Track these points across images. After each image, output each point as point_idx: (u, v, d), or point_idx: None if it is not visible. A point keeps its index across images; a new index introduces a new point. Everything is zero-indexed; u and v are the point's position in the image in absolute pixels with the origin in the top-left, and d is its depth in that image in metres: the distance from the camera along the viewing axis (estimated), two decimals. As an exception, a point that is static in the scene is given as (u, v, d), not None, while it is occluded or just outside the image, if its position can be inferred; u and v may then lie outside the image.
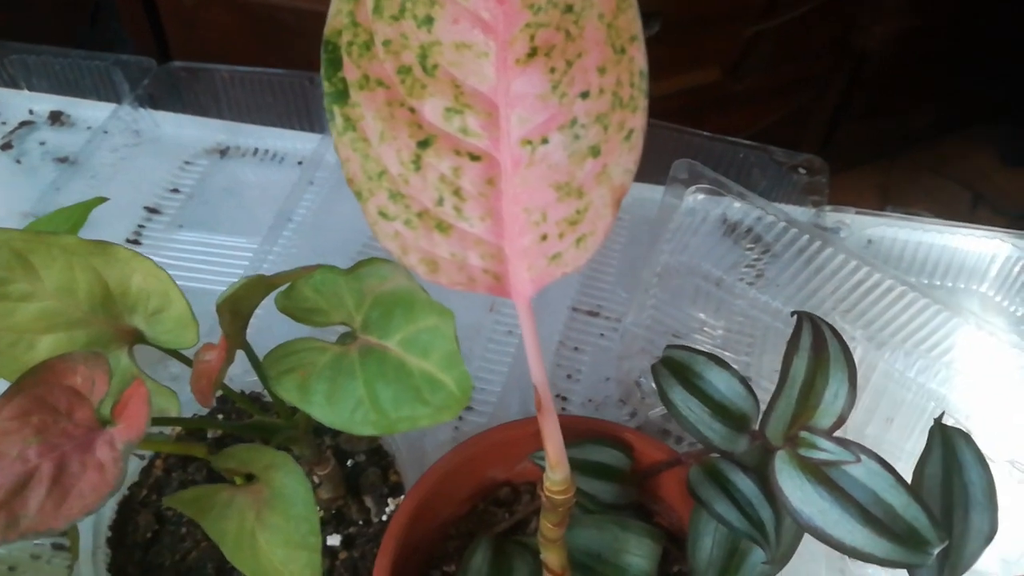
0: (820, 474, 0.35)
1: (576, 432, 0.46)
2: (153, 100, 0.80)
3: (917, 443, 0.40)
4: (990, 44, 1.54)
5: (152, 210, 0.75)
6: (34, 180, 0.77)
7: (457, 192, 0.27)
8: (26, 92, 0.84)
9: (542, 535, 0.37)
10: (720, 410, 0.40)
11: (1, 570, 0.53)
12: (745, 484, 0.39)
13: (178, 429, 0.54)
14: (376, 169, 0.27)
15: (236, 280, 0.33)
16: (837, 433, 0.37)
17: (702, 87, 1.26)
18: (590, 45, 0.25)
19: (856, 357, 0.39)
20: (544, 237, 0.27)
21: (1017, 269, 0.70)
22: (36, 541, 0.54)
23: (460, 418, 0.62)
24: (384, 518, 0.51)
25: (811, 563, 0.55)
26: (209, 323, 0.38)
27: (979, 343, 0.61)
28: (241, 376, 0.56)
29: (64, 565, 0.53)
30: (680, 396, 0.41)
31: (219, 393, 0.55)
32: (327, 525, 0.51)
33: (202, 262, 0.71)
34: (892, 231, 0.73)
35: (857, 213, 0.74)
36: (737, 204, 0.69)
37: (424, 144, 0.27)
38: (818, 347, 0.39)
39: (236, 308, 0.34)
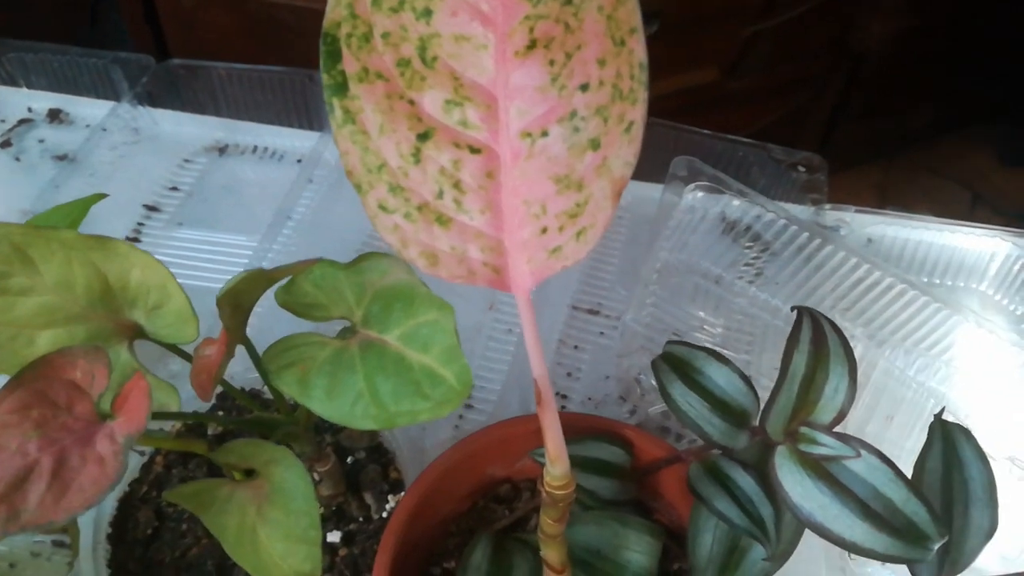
0: (820, 469, 0.35)
1: (576, 429, 0.46)
2: (152, 98, 0.80)
3: (917, 441, 0.40)
4: (988, 44, 1.54)
5: (151, 208, 0.75)
6: (33, 178, 0.77)
7: (457, 185, 0.27)
8: (25, 90, 0.84)
9: (542, 531, 0.37)
10: (720, 405, 0.40)
11: (2, 567, 0.53)
12: (745, 481, 0.39)
13: (178, 426, 0.54)
14: (376, 162, 0.27)
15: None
16: (837, 428, 0.37)
17: (700, 87, 1.26)
18: (589, 37, 0.25)
19: (856, 355, 0.39)
20: (544, 230, 0.27)
21: (1017, 268, 0.70)
22: (36, 538, 0.54)
23: (460, 416, 0.62)
24: (384, 515, 0.51)
25: (811, 563, 0.55)
26: (209, 321, 0.38)
27: (979, 341, 0.61)
28: (242, 374, 0.56)
29: (64, 562, 0.53)
30: (680, 391, 0.41)
31: (219, 390, 0.55)
32: (327, 522, 0.50)
33: (201, 260, 0.71)
34: (892, 230, 0.73)
35: (857, 211, 0.74)
36: (736, 202, 0.69)
37: (423, 137, 0.27)
38: (818, 342, 0.39)
39: (237, 302, 0.34)
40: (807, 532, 0.36)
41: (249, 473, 0.40)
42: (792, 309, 0.40)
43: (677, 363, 0.42)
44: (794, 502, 0.34)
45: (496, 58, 0.26)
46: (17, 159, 0.79)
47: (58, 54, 0.82)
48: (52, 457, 0.30)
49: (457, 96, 0.26)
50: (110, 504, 0.52)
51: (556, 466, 0.33)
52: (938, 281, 0.71)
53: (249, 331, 0.38)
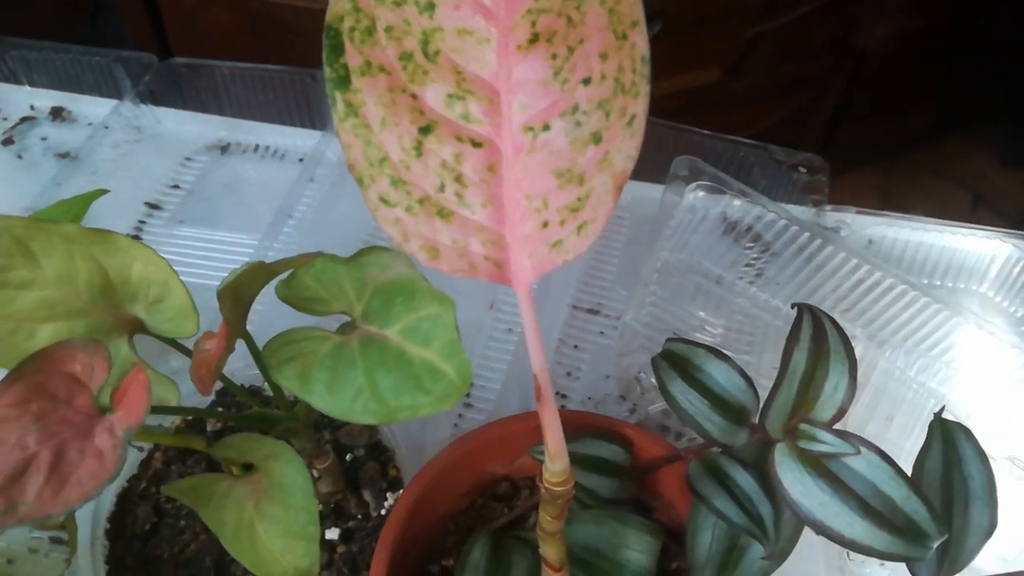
0: (820, 466, 0.35)
1: (575, 427, 0.46)
2: (154, 96, 0.80)
3: (917, 441, 0.40)
4: (990, 44, 1.55)
5: (153, 206, 0.75)
6: (35, 175, 0.77)
7: (458, 179, 0.27)
8: (27, 88, 0.84)
9: (541, 528, 0.37)
10: (720, 403, 0.40)
11: (0, 563, 0.53)
12: (744, 479, 0.39)
13: (178, 421, 0.54)
14: (377, 155, 0.27)
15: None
16: (837, 426, 0.37)
17: (702, 87, 1.26)
18: (592, 31, 0.25)
19: (856, 355, 0.39)
20: (545, 224, 0.27)
21: (1017, 270, 0.70)
22: (34, 534, 0.54)
23: (460, 415, 0.62)
24: (383, 512, 0.51)
25: (810, 561, 0.55)
26: (210, 318, 0.38)
27: (979, 342, 0.61)
28: (242, 370, 0.56)
29: (62, 558, 0.53)
30: (680, 389, 0.41)
31: (220, 386, 0.55)
32: (326, 519, 0.50)
33: (202, 258, 0.71)
34: (892, 231, 0.73)
35: (857, 212, 0.74)
36: (737, 202, 0.69)
37: (426, 130, 0.27)
38: (818, 339, 0.39)
39: (237, 295, 0.34)
40: (806, 531, 0.36)
41: (248, 468, 0.40)
42: (792, 306, 0.40)
43: (677, 360, 0.42)
44: (793, 499, 0.34)
45: (498, 52, 0.26)
46: (19, 157, 0.79)
47: (61, 52, 0.82)
48: (51, 450, 0.30)
49: (459, 90, 0.26)
50: (108, 500, 0.52)
51: (555, 462, 0.33)
52: (939, 283, 0.71)
53: (249, 326, 0.38)
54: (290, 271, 0.37)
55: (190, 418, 0.55)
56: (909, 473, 0.35)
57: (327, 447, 0.49)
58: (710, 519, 0.41)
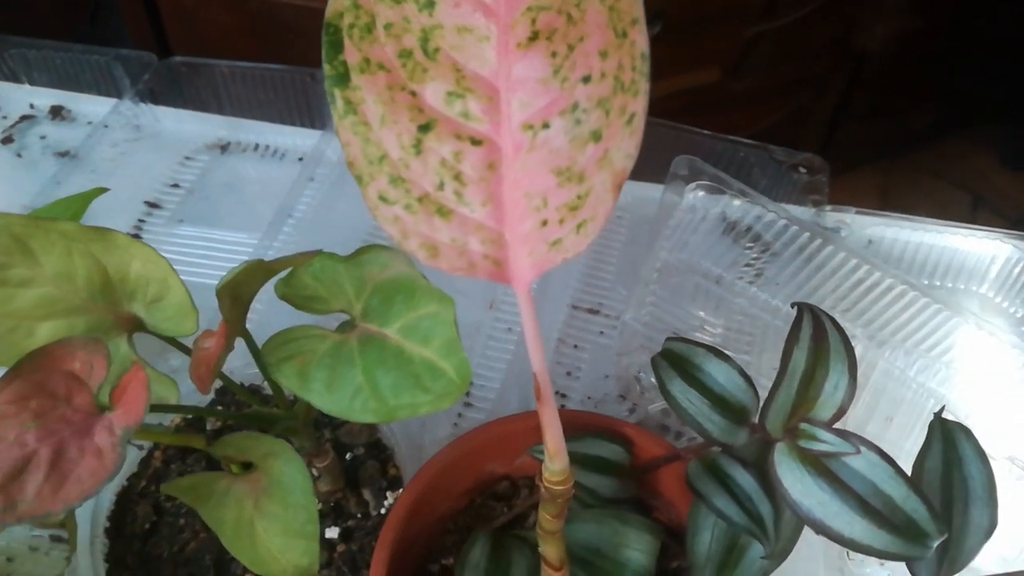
0: (820, 466, 0.35)
1: (575, 426, 0.46)
2: (154, 95, 0.80)
3: (917, 442, 0.40)
4: (990, 44, 1.55)
5: (152, 205, 0.75)
6: (35, 174, 0.77)
7: (458, 177, 0.27)
8: (27, 86, 0.84)
9: (540, 527, 0.37)
10: (719, 402, 0.40)
11: (0, 561, 0.53)
12: (744, 479, 0.39)
13: (177, 420, 0.54)
14: (377, 153, 0.27)
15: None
16: (837, 426, 0.37)
17: (702, 87, 1.26)
18: (592, 29, 0.25)
19: (856, 355, 0.39)
20: (545, 223, 0.27)
21: (1017, 271, 0.70)
22: (34, 532, 0.54)
23: (459, 414, 0.62)
24: (382, 511, 0.51)
25: (809, 561, 0.55)
26: (209, 317, 0.38)
27: (979, 343, 0.61)
28: (241, 369, 0.56)
29: (62, 556, 0.53)
30: (679, 388, 0.41)
31: (219, 385, 0.55)
32: (325, 518, 0.50)
33: (202, 257, 0.71)
34: (892, 231, 0.73)
35: (857, 213, 0.74)
36: (737, 202, 0.69)
37: (425, 128, 0.27)
38: (818, 338, 0.39)
39: (236, 293, 0.34)
40: (806, 530, 0.36)
41: (247, 467, 0.40)
42: (792, 306, 0.40)
43: (677, 360, 0.42)
44: (793, 499, 0.34)
45: (498, 50, 0.26)
46: (19, 155, 0.79)
47: (60, 51, 0.82)
48: (50, 448, 0.30)
49: (459, 88, 0.26)
50: (108, 498, 0.52)
51: (555, 461, 0.33)
52: (938, 283, 0.71)
53: (249, 325, 0.38)
54: (289, 269, 0.37)
55: (190, 416, 0.55)
56: (909, 473, 0.35)
57: (327, 446, 0.49)
58: (710, 518, 0.41)
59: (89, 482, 0.30)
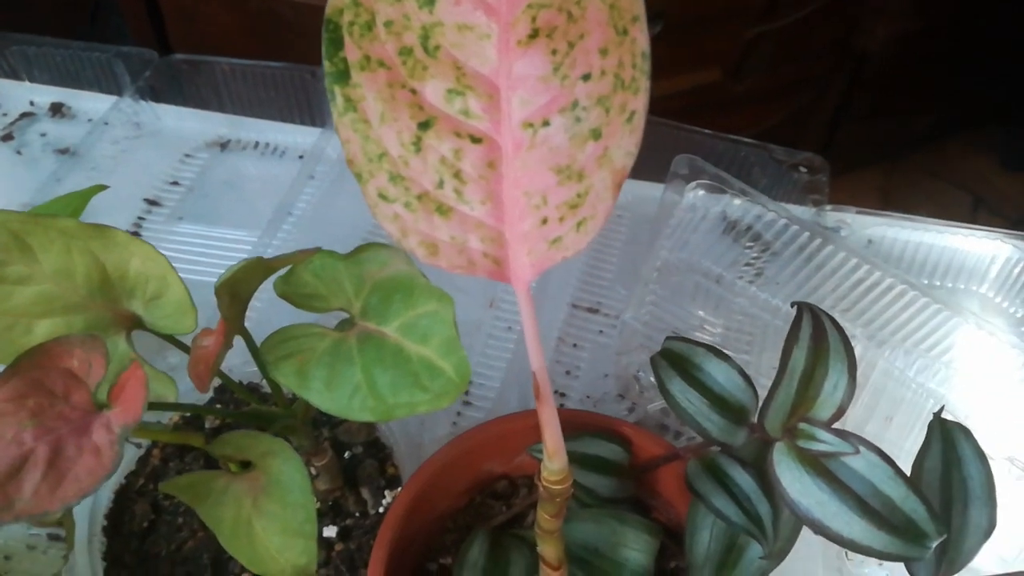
0: (819, 465, 0.35)
1: (574, 426, 0.46)
2: (154, 92, 0.80)
3: (916, 442, 0.40)
4: (990, 45, 1.54)
5: (152, 202, 0.75)
6: (35, 171, 0.77)
7: (457, 175, 0.27)
8: (27, 83, 0.84)
9: (539, 527, 0.36)
10: (719, 402, 0.40)
11: (-4, 559, 0.53)
12: (743, 478, 0.39)
13: (176, 418, 0.54)
14: (376, 151, 0.27)
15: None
16: (836, 426, 0.37)
17: (703, 88, 1.26)
18: (592, 26, 0.25)
19: (856, 355, 0.39)
20: (544, 221, 0.27)
21: (1017, 271, 0.70)
22: (32, 531, 0.54)
23: (458, 413, 0.62)
24: (381, 510, 0.51)
25: (808, 561, 0.55)
26: (208, 315, 0.38)
27: (979, 343, 0.61)
28: (240, 367, 0.56)
29: (60, 555, 0.53)
30: (679, 388, 0.40)
31: (218, 383, 0.55)
32: (324, 516, 0.50)
33: (202, 255, 0.71)
34: (892, 231, 0.73)
35: (857, 212, 0.74)
36: (737, 201, 0.69)
37: (425, 126, 0.27)
38: (818, 338, 0.39)
39: (235, 291, 0.34)
40: (805, 530, 0.36)
41: (246, 465, 0.39)
42: (792, 305, 0.40)
43: (676, 359, 0.42)
44: (792, 498, 0.34)
45: (499, 47, 0.26)
46: (19, 152, 0.79)
47: (60, 48, 0.82)
48: (48, 446, 0.30)
49: (459, 85, 0.26)
50: (106, 497, 0.52)
51: (554, 460, 0.33)
52: (938, 283, 0.71)
53: (248, 324, 0.38)
54: (288, 267, 0.37)
55: (188, 415, 0.54)
56: (908, 473, 0.35)
57: (325, 444, 0.49)
58: (709, 518, 0.41)
59: (87, 481, 0.30)
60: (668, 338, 0.43)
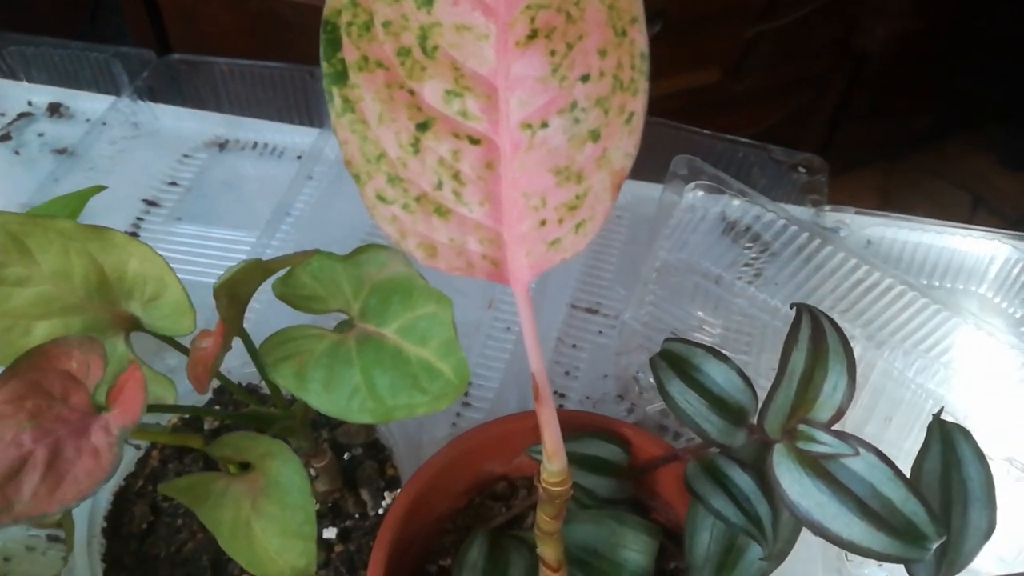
0: (818, 467, 0.35)
1: (573, 427, 0.46)
2: (152, 93, 0.80)
3: (915, 442, 0.40)
4: (990, 45, 1.55)
5: (150, 203, 0.75)
6: (32, 171, 0.77)
7: (456, 176, 0.27)
8: (25, 83, 0.84)
9: (539, 528, 0.36)
10: (718, 403, 0.40)
11: (-5, 560, 0.53)
12: (742, 479, 0.39)
13: (175, 420, 0.54)
14: (375, 152, 0.26)
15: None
16: (835, 427, 0.37)
17: (703, 87, 1.26)
18: (591, 27, 0.25)
19: (855, 356, 0.39)
20: (543, 222, 0.27)
21: (1016, 271, 0.70)
22: (31, 532, 0.53)
23: (458, 414, 0.62)
24: (380, 511, 0.51)
25: (808, 562, 0.55)
26: (207, 316, 0.38)
27: (978, 343, 0.61)
28: (239, 368, 0.55)
29: (59, 556, 0.53)
30: (678, 389, 0.40)
31: (217, 384, 0.55)
32: (323, 518, 0.50)
33: (200, 255, 0.71)
34: (891, 231, 0.73)
35: (856, 213, 0.74)
36: (736, 202, 0.69)
37: (423, 127, 0.27)
38: (817, 339, 0.39)
39: (234, 292, 0.34)
40: (804, 532, 0.36)
41: (245, 467, 0.39)
42: (791, 306, 0.40)
43: (675, 360, 0.42)
44: (792, 500, 0.34)
45: (497, 48, 0.26)
46: (17, 152, 0.79)
47: (59, 48, 0.82)
48: (47, 448, 0.30)
49: (457, 86, 0.26)
50: (105, 498, 0.52)
51: (553, 462, 0.33)
52: (937, 283, 0.71)
53: (247, 325, 0.38)
54: (287, 269, 0.37)
55: (187, 416, 0.54)
56: (908, 474, 0.35)
57: (324, 446, 0.49)
58: (708, 519, 0.41)
59: (86, 483, 0.30)
60: (667, 339, 0.43)
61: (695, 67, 1.24)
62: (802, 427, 0.37)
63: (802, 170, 0.74)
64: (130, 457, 0.53)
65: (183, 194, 0.76)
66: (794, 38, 1.29)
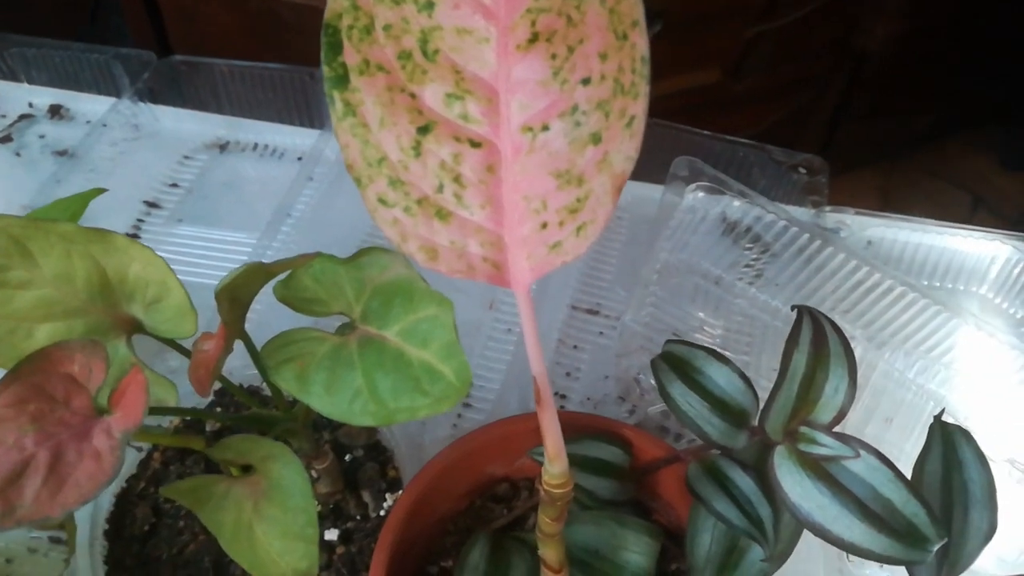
0: (819, 469, 0.35)
1: (575, 428, 0.46)
2: (153, 94, 0.80)
3: (916, 443, 0.40)
4: (990, 45, 1.55)
5: (151, 204, 0.75)
6: (33, 173, 0.77)
7: (457, 179, 0.27)
8: (26, 85, 0.84)
9: (540, 530, 0.36)
10: (719, 405, 0.40)
11: (-3, 562, 0.53)
12: (744, 481, 0.39)
13: (176, 422, 0.54)
14: (376, 155, 0.27)
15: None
16: (837, 429, 0.37)
17: (703, 87, 1.26)
18: (592, 31, 0.25)
19: (855, 357, 0.39)
20: (544, 225, 0.27)
21: (1017, 271, 0.70)
22: (33, 534, 0.54)
23: (459, 415, 0.62)
24: (382, 513, 0.51)
25: (809, 563, 0.55)
26: (208, 317, 0.38)
27: (979, 344, 0.61)
28: (240, 370, 0.56)
29: (61, 558, 0.53)
30: (679, 391, 0.40)
31: (218, 386, 0.55)
32: (325, 520, 0.50)
33: (201, 256, 0.71)
34: (892, 232, 0.73)
35: (857, 213, 0.74)
36: (737, 203, 0.69)
37: (424, 130, 0.27)
38: (818, 341, 0.39)
39: (235, 295, 0.34)
40: (805, 533, 0.36)
41: (246, 469, 0.39)
42: (792, 308, 0.40)
43: (676, 362, 0.42)
44: (793, 502, 0.34)
45: (498, 52, 0.26)
46: (17, 154, 0.79)
47: (59, 49, 0.82)
48: (49, 451, 0.30)
49: (458, 90, 0.26)
50: (107, 500, 0.52)
51: (554, 464, 0.33)
52: (938, 284, 0.71)
53: (248, 327, 0.38)
54: (288, 272, 0.37)
55: (188, 418, 0.54)
56: (909, 476, 0.35)
57: (326, 448, 0.49)
58: (709, 521, 0.41)
59: (87, 486, 0.30)
60: (668, 341, 0.43)
61: (695, 67, 1.24)
62: (803, 429, 0.37)
63: (802, 171, 0.74)
64: (132, 459, 0.53)
65: (184, 196, 0.76)
66: (794, 38, 1.29)
